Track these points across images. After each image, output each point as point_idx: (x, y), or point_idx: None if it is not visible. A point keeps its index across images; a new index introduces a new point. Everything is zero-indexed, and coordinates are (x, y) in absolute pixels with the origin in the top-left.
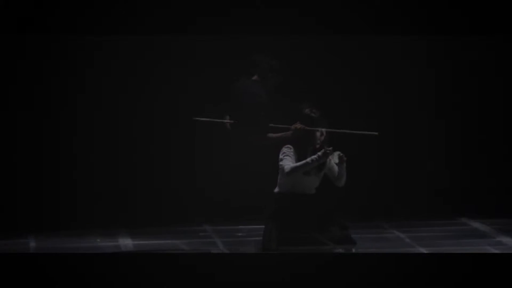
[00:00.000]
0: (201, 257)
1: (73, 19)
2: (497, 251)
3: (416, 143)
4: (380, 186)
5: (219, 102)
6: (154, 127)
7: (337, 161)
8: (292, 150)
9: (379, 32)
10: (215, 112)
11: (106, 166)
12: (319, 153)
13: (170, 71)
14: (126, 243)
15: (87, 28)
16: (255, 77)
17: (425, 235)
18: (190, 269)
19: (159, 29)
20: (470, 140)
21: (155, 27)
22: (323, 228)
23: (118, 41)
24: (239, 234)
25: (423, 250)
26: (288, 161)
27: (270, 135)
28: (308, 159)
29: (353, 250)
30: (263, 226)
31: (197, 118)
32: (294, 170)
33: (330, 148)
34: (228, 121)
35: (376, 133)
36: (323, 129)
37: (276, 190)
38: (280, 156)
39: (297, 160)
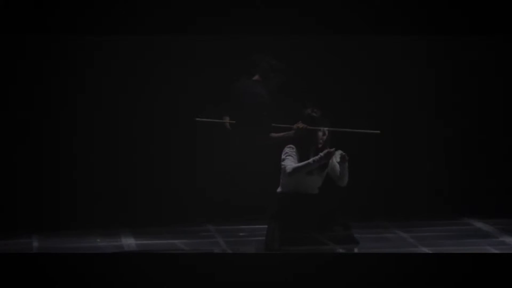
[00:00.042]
0: (202, 257)
1: (73, 19)
2: (497, 251)
3: (416, 143)
4: (380, 186)
5: (219, 102)
6: (154, 127)
7: (339, 160)
8: (294, 150)
9: (379, 32)
10: (216, 112)
11: (106, 166)
12: (322, 154)
13: (170, 71)
14: (129, 243)
15: (87, 28)
16: (256, 77)
17: (427, 235)
18: (190, 269)
19: (159, 29)
20: (470, 140)
21: (155, 27)
22: (326, 228)
23: (118, 41)
24: (242, 234)
25: (426, 250)
26: (290, 161)
27: (273, 134)
28: (310, 160)
29: (356, 250)
30: (266, 226)
31: (199, 119)
32: (296, 170)
33: (333, 149)
34: (231, 121)
35: (378, 132)
36: (325, 128)
37: (279, 190)
38: (283, 156)
39: (300, 160)
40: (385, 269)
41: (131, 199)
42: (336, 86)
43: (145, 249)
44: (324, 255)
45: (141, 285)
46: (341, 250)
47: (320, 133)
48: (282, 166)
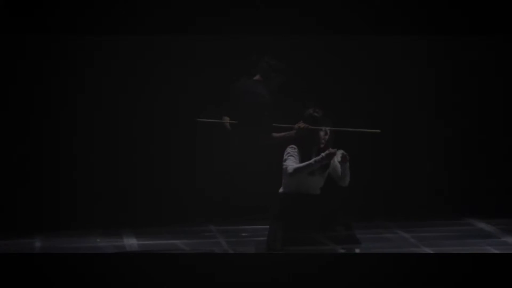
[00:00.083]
0: (203, 257)
1: (73, 19)
2: (497, 251)
3: (416, 143)
4: (380, 186)
5: (219, 102)
6: (154, 127)
7: (340, 159)
8: (296, 150)
9: (379, 32)
10: (216, 113)
11: (106, 166)
12: (323, 154)
13: (170, 71)
14: (131, 243)
15: (87, 28)
16: (257, 77)
17: (429, 235)
18: (191, 269)
19: (159, 29)
20: (470, 140)
21: (155, 27)
22: (328, 228)
23: (118, 41)
24: (244, 234)
25: (429, 251)
26: (291, 162)
27: (274, 134)
28: (312, 160)
29: (358, 250)
30: (268, 227)
31: (200, 119)
32: (297, 170)
33: (335, 149)
34: (232, 121)
35: (379, 131)
36: (326, 128)
37: (281, 190)
38: (285, 157)
39: (302, 160)
40: (386, 269)
41: (131, 199)
42: (336, 86)
43: (145, 249)
44: (326, 255)
45: (142, 285)
46: (342, 250)
47: (322, 133)
48: (284, 167)
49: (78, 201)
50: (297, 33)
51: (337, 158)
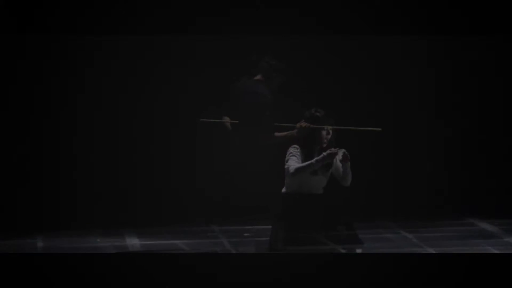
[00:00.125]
0: (204, 257)
1: (73, 19)
2: (497, 251)
3: (416, 143)
4: (380, 186)
5: (219, 102)
6: (154, 127)
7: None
8: (298, 150)
9: (379, 32)
10: (217, 113)
11: (106, 166)
12: (324, 154)
13: (170, 71)
14: (134, 243)
15: (87, 28)
16: (258, 77)
17: (431, 235)
18: (192, 269)
19: (159, 29)
20: (470, 140)
21: (155, 27)
22: (330, 228)
23: (118, 41)
24: (246, 234)
25: (431, 251)
26: (293, 162)
27: (276, 134)
28: (313, 160)
29: (360, 250)
30: (270, 227)
31: (202, 120)
32: (299, 170)
33: (336, 149)
34: (234, 121)
35: (380, 129)
36: (328, 127)
37: (283, 190)
38: (287, 157)
39: (304, 160)
40: (388, 269)
41: (131, 199)
42: (336, 86)
43: (146, 249)
44: (328, 255)
45: (143, 285)
46: (344, 251)
47: (324, 132)
48: (286, 167)
49: (78, 201)
50: (297, 33)
51: (339, 157)
